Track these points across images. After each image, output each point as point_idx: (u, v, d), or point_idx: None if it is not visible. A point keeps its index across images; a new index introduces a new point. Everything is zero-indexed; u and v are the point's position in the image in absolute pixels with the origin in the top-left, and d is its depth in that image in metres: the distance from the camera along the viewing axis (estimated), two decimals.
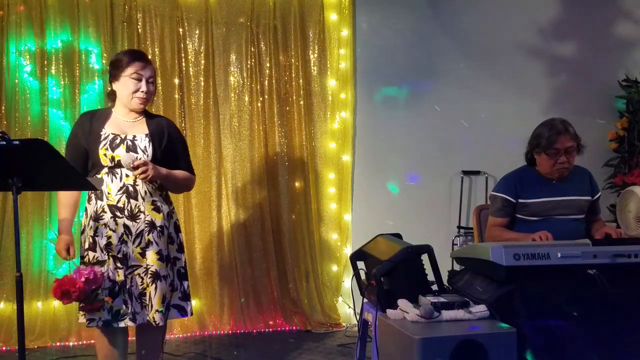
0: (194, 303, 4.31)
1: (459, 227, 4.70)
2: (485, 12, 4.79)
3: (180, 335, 4.22)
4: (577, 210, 3.18)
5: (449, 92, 4.75)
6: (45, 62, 4.10)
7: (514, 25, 4.85)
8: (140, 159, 2.71)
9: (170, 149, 2.86)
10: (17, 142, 2.18)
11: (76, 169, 2.68)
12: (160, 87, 4.27)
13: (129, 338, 2.93)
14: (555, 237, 2.88)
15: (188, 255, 4.30)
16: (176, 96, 4.30)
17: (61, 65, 4.13)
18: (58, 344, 4.03)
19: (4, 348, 3.91)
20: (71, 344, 4.04)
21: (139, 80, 2.78)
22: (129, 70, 2.78)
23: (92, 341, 4.03)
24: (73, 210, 2.88)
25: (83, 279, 2.52)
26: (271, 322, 4.40)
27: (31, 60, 4.10)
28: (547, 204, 3.14)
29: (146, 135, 2.79)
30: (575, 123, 3.15)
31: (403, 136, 4.71)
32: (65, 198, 2.86)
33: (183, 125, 4.32)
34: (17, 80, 4.07)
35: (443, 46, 4.75)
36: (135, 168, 2.67)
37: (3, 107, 4.07)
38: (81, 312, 2.71)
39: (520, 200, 3.16)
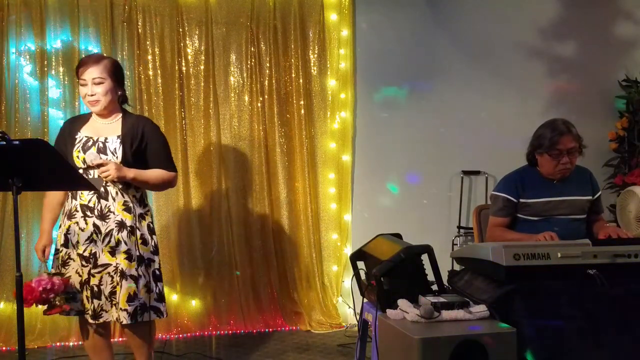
0: (194, 303, 4.32)
1: (459, 227, 4.70)
2: (485, 12, 4.79)
3: (180, 335, 4.22)
4: (578, 210, 3.19)
5: (449, 92, 4.75)
6: (45, 62, 4.10)
7: (514, 25, 4.84)
8: (102, 159, 2.77)
9: (144, 149, 2.89)
10: (17, 142, 2.19)
11: (76, 169, 2.70)
12: (160, 87, 4.28)
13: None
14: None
15: (189, 255, 4.32)
16: (176, 96, 4.30)
17: (61, 65, 4.13)
18: (58, 344, 4.03)
19: (4, 348, 3.91)
20: (71, 344, 4.04)
21: (85, 85, 2.85)
22: (79, 78, 2.87)
23: None
24: (55, 213, 2.98)
25: (40, 289, 2.67)
26: (271, 322, 4.40)
27: (31, 60, 4.11)
28: (548, 204, 3.14)
29: (118, 137, 2.85)
30: (575, 123, 3.15)
31: (403, 136, 4.70)
32: (49, 201, 2.96)
33: (183, 125, 4.32)
34: (17, 80, 4.07)
35: (443, 46, 4.74)
36: (97, 167, 2.75)
37: (3, 107, 4.07)
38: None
39: (521, 200, 3.17)
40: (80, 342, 4.03)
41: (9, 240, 4.02)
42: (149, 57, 4.26)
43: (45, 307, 2.75)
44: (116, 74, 2.90)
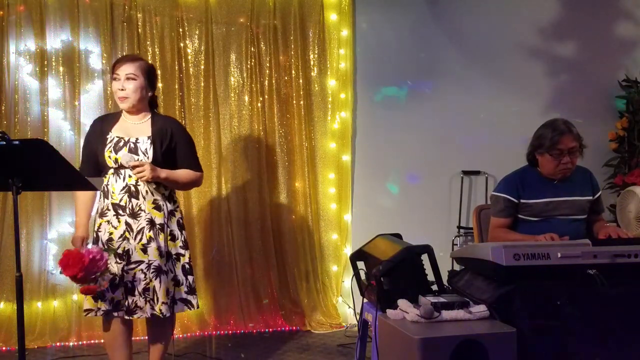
0: None
1: (459, 227, 4.70)
2: (485, 12, 4.79)
3: (180, 335, 4.22)
4: (578, 211, 3.18)
5: (449, 92, 4.75)
6: (45, 62, 4.10)
7: (514, 26, 4.84)
8: (138, 160, 2.84)
9: (174, 149, 2.97)
10: (17, 142, 2.19)
11: (76, 169, 2.71)
12: (160, 87, 4.27)
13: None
14: None
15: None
16: (176, 96, 4.30)
17: (61, 65, 4.13)
18: (58, 344, 4.03)
19: (4, 348, 3.91)
20: (71, 344, 4.04)
21: (117, 80, 2.91)
22: (113, 74, 2.93)
23: (92, 341, 4.06)
24: (90, 207, 3.00)
25: (90, 256, 2.61)
26: (271, 322, 4.40)
27: (31, 60, 4.10)
28: (548, 204, 3.14)
29: (148, 137, 2.92)
30: (575, 123, 3.15)
31: (403, 136, 4.70)
32: (82, 195, 3.00)
33: (183, 125, 4.31)
34: (17, 80, 4.07)
35: (443, 46, 4.74)
36: (132, 168, 2.81)
37: (3, 107, 4.07)
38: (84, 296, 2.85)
39: (522, 201, 3.16)
40: (80, 342, 4.04)
41: (9, 240, 4.01)
42: (149, 57, 4.26)
43: (80, 283, 2.67)
44: (149, 75, 2.98)
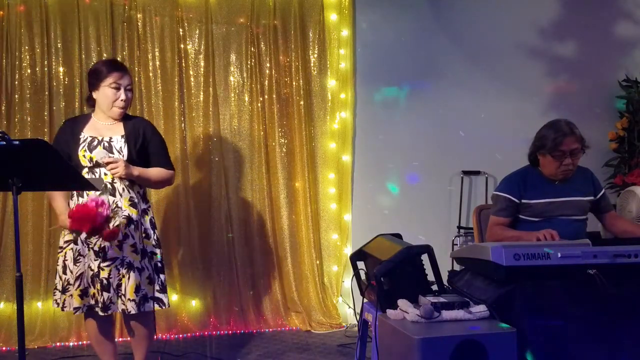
0: (194, 303, 4.32)
1: (459, 227, 4.70)
2: (485, 12, 4.79)
3: (180, 336, 4.22)
4: (579, 211, 3.18)
5: (449, 92, 4.75)
6: (46, 62, 4.10)
7: (514, 25, 4.84)
8: (111, 156, 2.91)
9: (146, 148, 3.05)
10: (17, 142, 2.19)
11: (75, 169, 2.73)
12: (160, 87, 4.27)
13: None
14: None
15: (189, 255, 4.32)
16: (176, 96, 4.30)
17: (61, 66, 4.13)
18: (58, 344, 4.03)
19: (4, 348, 3.91)
20: (71, 344, 4.04)
21: (118, 89, 2.96)
22: (109, 80, 2.95)
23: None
24: (67, 197, 3.07)
25: (93, 203, 2.68)
26: (271, 322, 4.40)
27: (31, 60, 4.10)
28: (550, 204, 3.14)
29: (122, 136, 2.99)
30: (575, 123, 3.15)
31: (403, 136, 4.70)
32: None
33: (183, 125, 4.32)
34: (17, 80, 4.07)
35: (443, 46, 4.74)
36: (106, 164, 2.89)
37: (3, 107, 4.07)
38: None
39: (523, 201, 3.16)
40: (80, 342, 4.04)
41: (9, 240, 4.02)
42: (149, 57, 4.26)
43: (98, 234, 2.76)
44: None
